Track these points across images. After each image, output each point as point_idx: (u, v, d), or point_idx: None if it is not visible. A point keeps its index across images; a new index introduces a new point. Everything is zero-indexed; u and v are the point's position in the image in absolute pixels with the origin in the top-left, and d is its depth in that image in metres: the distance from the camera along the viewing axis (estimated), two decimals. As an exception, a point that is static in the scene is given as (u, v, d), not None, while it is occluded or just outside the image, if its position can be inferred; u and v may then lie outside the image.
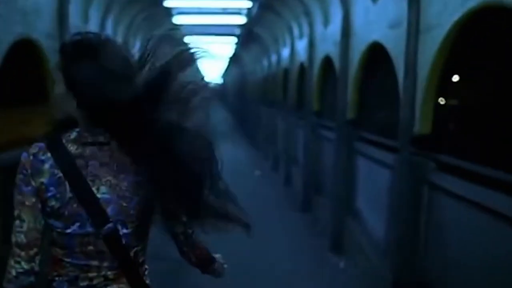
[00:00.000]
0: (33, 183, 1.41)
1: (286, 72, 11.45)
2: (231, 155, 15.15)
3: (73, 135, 1.46)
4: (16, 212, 1.43)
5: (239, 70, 24.64)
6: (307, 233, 7.63)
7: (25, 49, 4.59)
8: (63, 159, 1.42)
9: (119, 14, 8.68)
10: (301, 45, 9.31)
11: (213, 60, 24.54)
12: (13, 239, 1.42)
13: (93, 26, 7.68)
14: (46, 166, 1.42)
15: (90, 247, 1.43)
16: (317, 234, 7.33)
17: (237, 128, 24.09)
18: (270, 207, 9.26)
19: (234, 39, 15.82)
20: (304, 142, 8.76)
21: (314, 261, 6.30)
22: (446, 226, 3.77)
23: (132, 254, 1.48)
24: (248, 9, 10.24)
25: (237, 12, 11.14)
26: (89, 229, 1.42)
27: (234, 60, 23.40)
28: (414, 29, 4.08)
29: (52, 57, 4.95)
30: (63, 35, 5.34)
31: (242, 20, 11.32)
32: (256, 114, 17.52)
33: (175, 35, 2.04)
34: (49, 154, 1.43)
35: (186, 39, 15.63)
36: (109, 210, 1.42)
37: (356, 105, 6.09)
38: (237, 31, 13.62)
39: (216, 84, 46.10)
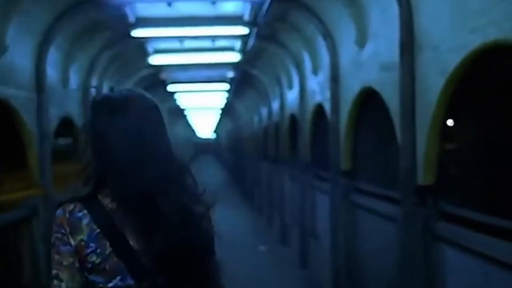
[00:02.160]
0: (71, 241, 1.41)
1: (293, 119, 9.11)
2: (227, 221, 12.65)
3: (107, 190, 1.46)
4: (54, 272, 1.42)
5: (233, 121, 22.47)
6: None
7: None
8: (101, 214, 1.43)
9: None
10: (317, 81, 7.01)
11: (204, 113, 22.29)
12: None
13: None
14: (84, 222, 1.41)
15: None
16: None
17: (233, 186, 21.58)
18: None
19: (226, 86, 13.61)
20: (330, 212, 6.27)
21: None
22: None
23: None
24: (243, 40, 7.99)
25: (230, 47, 8.92)
26: (130, 281, 1.41)
27: (226, 111, 21.26)
28: None
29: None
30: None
31: (235, 57, 9.08)
32: (255, 171, 15.09)
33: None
34: (85, 211, 1.43)
35: (170, 88, 13.48)
36: (147, 262, 1.40)
37: (438, 163, 3.68)
38: (230, 73, 11.40)
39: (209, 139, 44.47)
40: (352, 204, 5.71)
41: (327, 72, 6.21)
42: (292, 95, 8.96)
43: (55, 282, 1.40)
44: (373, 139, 5.19)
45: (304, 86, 7.85)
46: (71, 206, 1.43)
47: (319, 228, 7.52)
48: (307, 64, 7.40)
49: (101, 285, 1.41)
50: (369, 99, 5.04)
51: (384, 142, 4.79)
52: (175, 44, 8.37)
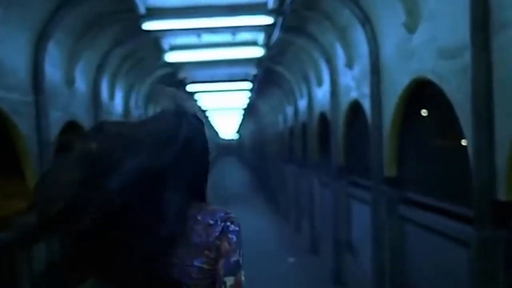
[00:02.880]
0: None
1: (323, 118, 8.30)
2: (251, 226, 11.85)
3: None
4: None
5: (256, 122, 21.74)
6: None
7: None
8: None
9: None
10: (352, 75, 6.19)
11: (226, 114, 21.50)
12: None
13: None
14: None
15: None
16: None
17: (256, 189, 20.82)
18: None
19: (248, 85, 12.86)
20: (372, 225, 5.44)
21: None
22: None
23: None
24: (267, 32, 7.21)
25: (252, 41, 8.15)
26: None
27: (249, 111, 20.52)
28: None
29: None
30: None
31: (258, 52, 8.31)
32: (280, 174, 14.29)
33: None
34: None
35: (190, 88, 12.78)
36: (174, 272, 1.43)
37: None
38: (253, 71, 10.63)
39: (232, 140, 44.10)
40: (400, 218, 4.88)
41: (365, 65, 5.39)
42: (321, 92, 8.15)
43: None
44: (427, 140, 4.35)
45: (336, 82, 7.03)
46: None
47: (356, 242, 6.70)
48: (340, 57, 6.58)
49: None
50: (422, 93, 4.21)
51: (444, 144, 3.97)
52: (193, 39, 7.63)
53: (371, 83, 5.16)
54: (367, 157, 5.88)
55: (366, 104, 5.47)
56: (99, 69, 6.85)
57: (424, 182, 4.42)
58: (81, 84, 6.33)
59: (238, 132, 38.96)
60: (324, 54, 7.17)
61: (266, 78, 11.27)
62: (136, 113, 9.60)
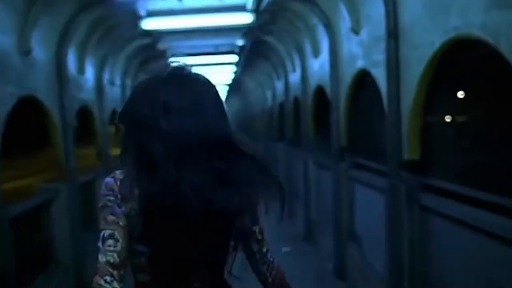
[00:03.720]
0: (123, 207, 1.40)
1: (320, 92, 7.44)
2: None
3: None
4: (108, 232, 1.38)
5: (242, 98, 20.81)
6: None
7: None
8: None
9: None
10: (358, 41, 5.32)
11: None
12: (104, 259, 1.36)
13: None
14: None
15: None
16: None
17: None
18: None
19: (234, 58, 11.89)
20: (388, 215, 4.65)
21: None
22: None
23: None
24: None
25: (240, 6, 7.19)
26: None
27: (234, 87, 19.56)
28: None
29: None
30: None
31: (247, 18, 7.36)
32: (269, 153, 13.45)
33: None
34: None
35: (171, 61, 11.77)
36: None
37: None
38: (239, 41, 9.68)
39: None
40: (422, 209, 4.09)
41: (378, 27, 4.52)
42: (318, 63, 7.28)
43: (110, 241, 1.37)
44: (465, 116, 3.54)
45: (337, 50, 6.16)
46: (122, 175, 1.42)
47: (362, 232, 5.94)
48: (343, 21, 5.70)
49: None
50: (458, 56, 3.38)
51: (492, 121, 3.15)
52: (173, 3, 6.66)
53: (387, 48, 4.30)
54: (375, 136, 5.08)
55: (379, 74, 4.62)
56: (63, 38, 5.87)
57: (459, 167, 3.60)
58: (40, 54, 5.38)
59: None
60: (323, 18, 6.28)
61: (254, 50, 10.34)
62: (110, 89, 8.64)
